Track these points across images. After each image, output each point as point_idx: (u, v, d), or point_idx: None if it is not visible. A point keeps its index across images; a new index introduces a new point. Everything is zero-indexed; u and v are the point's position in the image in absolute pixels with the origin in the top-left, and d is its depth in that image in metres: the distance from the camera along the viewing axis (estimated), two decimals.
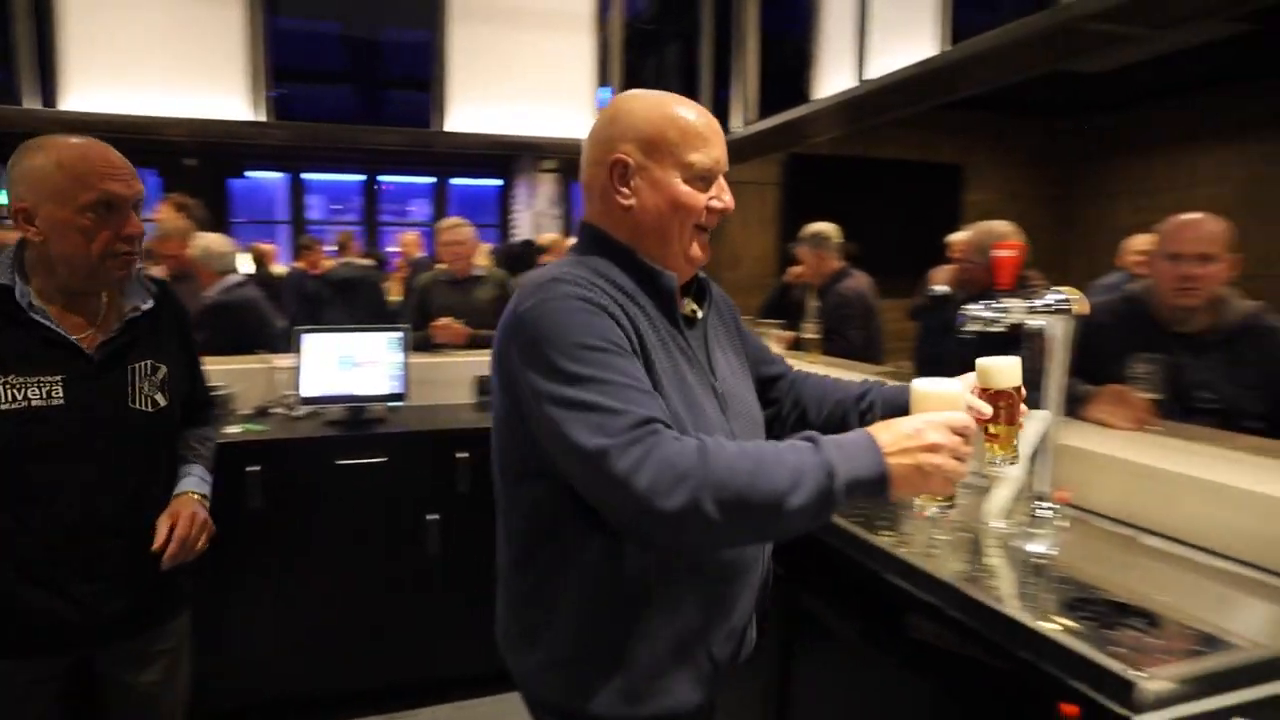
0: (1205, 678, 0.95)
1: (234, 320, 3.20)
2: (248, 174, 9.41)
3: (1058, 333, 1.40)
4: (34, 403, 1.30)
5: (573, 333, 0.92)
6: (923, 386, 1.05)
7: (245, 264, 4.99)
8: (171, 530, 1.43)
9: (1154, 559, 1.40)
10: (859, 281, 3.50)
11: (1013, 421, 1.14)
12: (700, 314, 1.14)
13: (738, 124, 3.28)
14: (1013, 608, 1.16)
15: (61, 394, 1.32)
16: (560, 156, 6.98)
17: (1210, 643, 1.05)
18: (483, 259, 5.18)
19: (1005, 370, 1.12)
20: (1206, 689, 0.94)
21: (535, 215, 8.50)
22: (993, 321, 1.41)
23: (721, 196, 1.07)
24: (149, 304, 1.46)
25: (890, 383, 1.27)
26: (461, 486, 2.55)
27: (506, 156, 8.85)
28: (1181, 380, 1.98)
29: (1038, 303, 1.39)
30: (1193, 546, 1.40)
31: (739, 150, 3.59)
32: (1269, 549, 1.30)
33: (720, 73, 3.37)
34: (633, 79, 4.24)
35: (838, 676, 1.58)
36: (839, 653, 1.57)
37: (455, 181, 10.36)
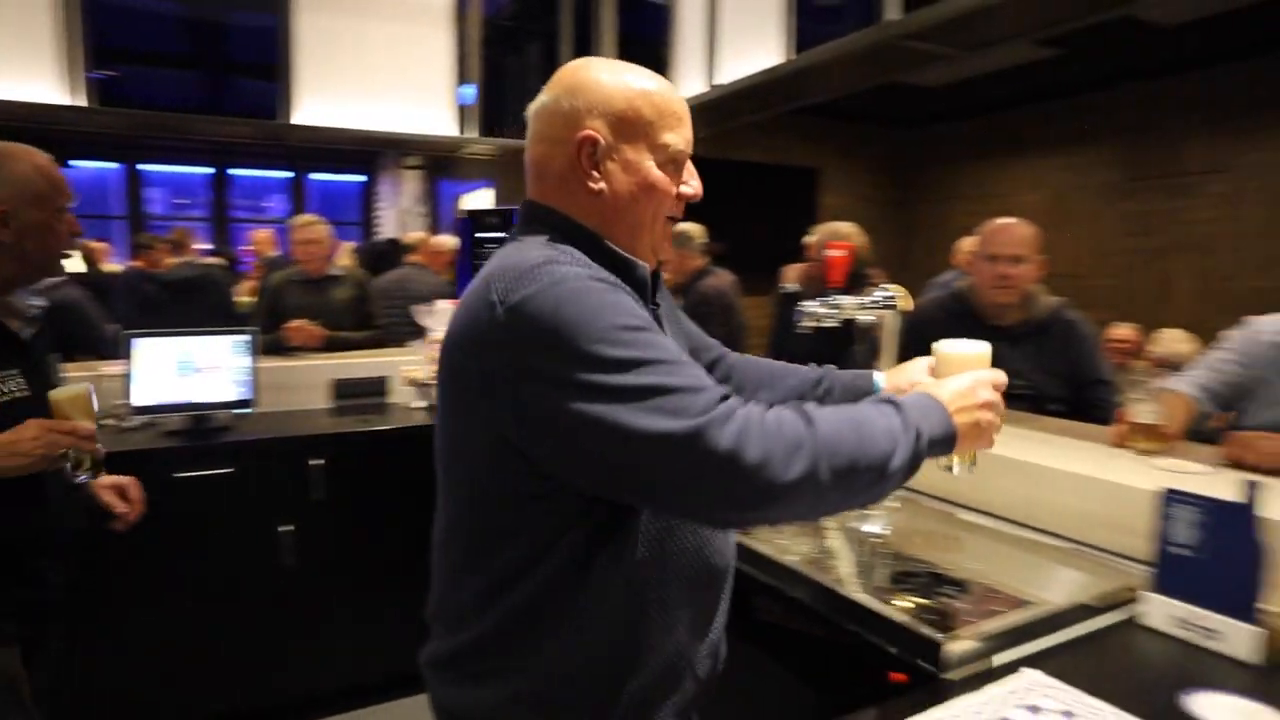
0: (1000, 635, 1.05)
1: (52, 323, 2.91)
2: (73, 163, 8.58)
3: (886, 327, 1.51)
4: (17, 395, 1.40)
5: (605, 314, 0.79)
6: (951, 348, 1.05)
7: (70, 263, 4.55)
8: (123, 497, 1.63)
9: (971, 533, 1.54)
10: (721, 280, 3.62)
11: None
12: (659, 306, 1.04)
13: None
14: (849, 586, 1.24)
15: (26, 385, 1.43)
16: (425, 153, 6.81)
17: (1009, 603, 1.17)
18: (345, 258, 4.98)
19: (970, 357, 1.05)
20: (1001, 644, 1.05)
21: (400, 213, 8.24)
22: (826, 317, 1.50)
23: (691, 182, 0.97)
24: (42, 300, 1.60)
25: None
26: (316, 494, 2.44)
27: (369, 152, 8.52)
28: (999, 369, 2.18)
29: (867, 300, 1.50)
30: (1004, 519, 1.55)
31: None
32: (1065, 518, 1.46)
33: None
34: (494, 77, 4.20)
35: None
36: None
37: (315, 177, 9.86)
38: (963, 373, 0.97)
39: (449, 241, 4.55)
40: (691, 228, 3.74)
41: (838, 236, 2.64)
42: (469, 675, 0.93)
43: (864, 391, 1.11)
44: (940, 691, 0.97)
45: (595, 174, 0.92)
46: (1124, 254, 5.39)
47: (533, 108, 0.97)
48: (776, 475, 0.75)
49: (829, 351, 2.40)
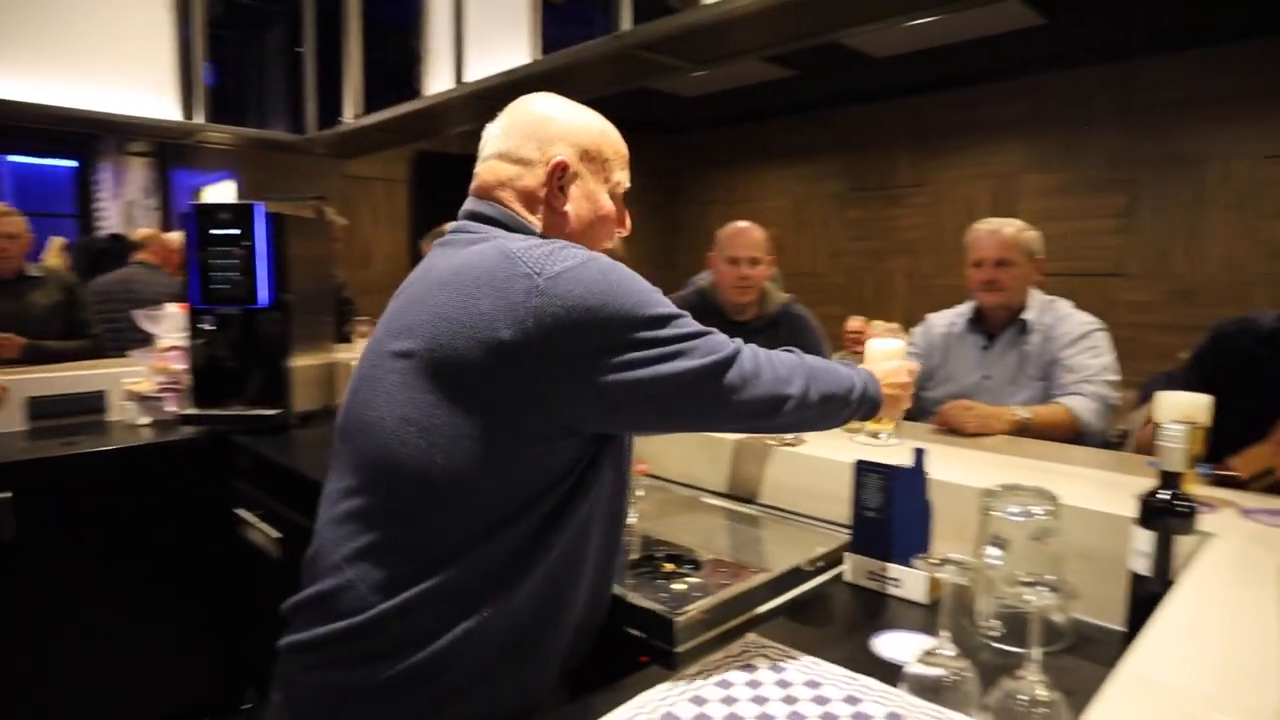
0: (724, 604, 1.15)
1: None
2: None
3: None
4: None
5: (640, 282, 0.94)
6: (879, 346, 1.51)
7: None
8: None
9: (710, 514, 1.66)
10: None
11: None
12: None
13: (349, 115, 3.14)
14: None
15: None
16: (152, 139, 6.05)
17: (735, 575, 1.27)
18: (54, 256, 4.28)
19: (893, 351, 1.49)
20: (727, 614, 1.14)
21: (125, 205, 7.23)
22: None
23: (625, 222, 1.12)
24: None
25: None
26: (4, 534, 2.07)
27: (82, 135, 7.38)
28: None
29: None
30: (738, 498, 1.69)
31: (355, 142, 3.44)
32: (789, 494, 1.61)
33: (327, 62, 3.19)
34: (234, 58, 3.83)
35: None
36: None
37: (12, 159, 8.37)
38: (888, 361, 1.29)
39: (181, 237, 4.08)
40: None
41: None
42: (368, 653, 0.91)
43: None
44: (674, 665, 1.04)
45: (562, 196, 1.04)
46: (852, 255, 6.08)
47: (497, 128, 1.08)
48: (786, 390, 1.01)
49: None
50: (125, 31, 3.14)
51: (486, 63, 2.27)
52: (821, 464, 1.57)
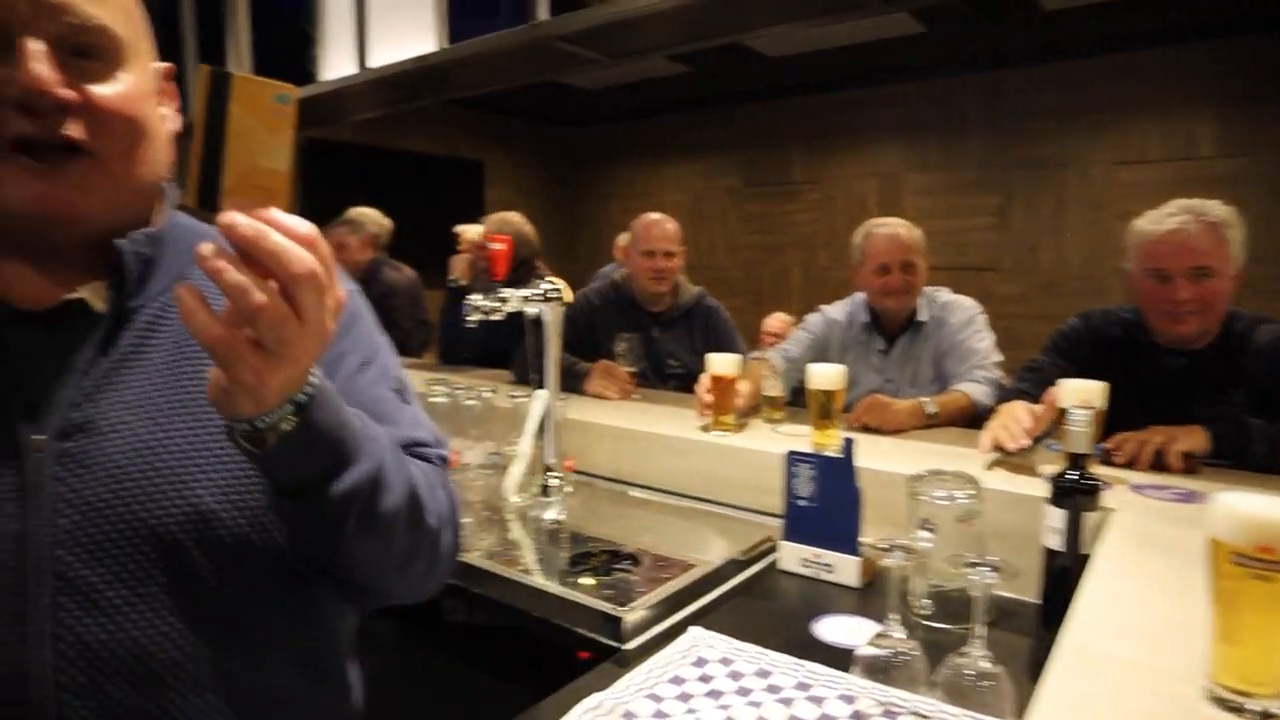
0: (668, 599, 1.15)
1: None
2: None
3: (549, 318, 1.55)
4: None
5: None
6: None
7: None
8: None
9: (637, 508, 1.66)
10: (403, 273, 3.53)
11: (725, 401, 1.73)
12: None
13: None
14: (533, 575, 1.26)
15: None
16: None
17: (674, 568, 1.28)
18: None
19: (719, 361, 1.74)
20: (670, 608, 1.14)
21: None
22: (492, 310, 1.50)
23: (17, 74, 0.62)
24: None
25: None
26: None
27: None
28: (654, 351, 2.40)
29: (531, 292, 1.53)
30: (663, 491, 1.70)
31: None
32: (714, 485, 1.64)
33: (210, 39, 2.97)
34: None
35: (386, 680, 1.54)
36: (380, 656, 1.53)
37: None
38: None
39: None
40: (366, 212, 3.53)
41: (505, 226, 2.67)
42: None
43: None
44: (623, 662, 1.03)
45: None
46: (750, 249, 6.24)
47: None
48: None
49: (499, 344, 2.44)
50: None
51: (390, 48, 2.18)
52: (745, 454, 1.61)
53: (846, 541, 1.24)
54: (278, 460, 0.60)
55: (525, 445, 1.52)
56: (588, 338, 2.36)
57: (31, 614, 0.63)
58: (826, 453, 1.30)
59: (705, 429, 1.74)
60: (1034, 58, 4.85)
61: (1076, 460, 1.09)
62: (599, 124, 6.93)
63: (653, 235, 2.40)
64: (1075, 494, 1.08)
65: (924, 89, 5.31)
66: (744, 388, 1.81)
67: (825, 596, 1.22)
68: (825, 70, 5.52)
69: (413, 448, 0.81)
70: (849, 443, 1.25)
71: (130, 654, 0.65)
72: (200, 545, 0.67)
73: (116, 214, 0.71)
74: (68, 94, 0.64)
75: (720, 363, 1.76)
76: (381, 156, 5.70)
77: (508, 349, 2.36)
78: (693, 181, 6.52)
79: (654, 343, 2.40)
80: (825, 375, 1.61)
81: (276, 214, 0.53)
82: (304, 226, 0.54)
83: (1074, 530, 1.08)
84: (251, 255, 0.52)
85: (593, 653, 1.10)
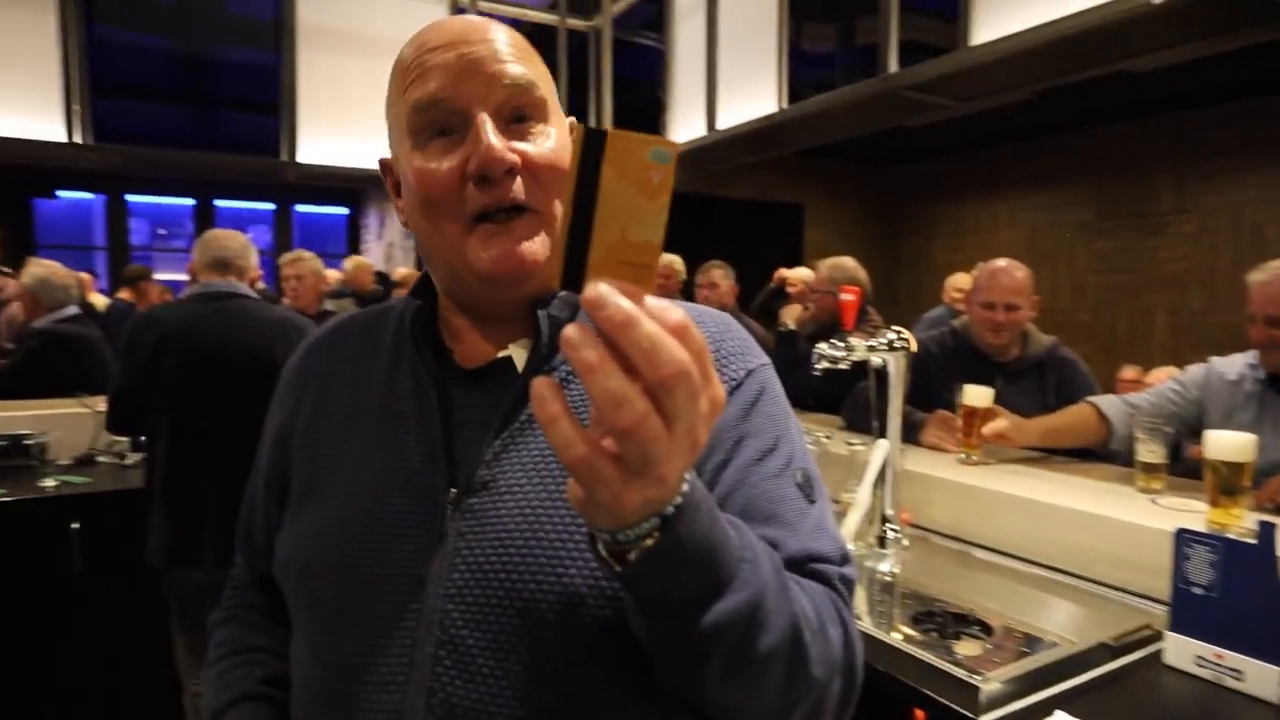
0: (1030, 675, 1.07)
1: (67, 356, 2.87)
2: (60, 194, 8.53)
3: (892, 368, 1.54)
4: None
5: None
6: None
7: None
8: None
9: (982, 570, 1.56)
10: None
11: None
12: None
13: None
14: (867, 624, 1.26)
15: None
16: None
17: (1032, 643, 1.19)
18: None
19: None
20: (1032, 685, 1.07)
21: (387, 246, 8.23)
22: (839, 359, 1.53)
23: (477, 148, 0.64)
24: None
25: None
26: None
27: (355, 187, 8.54)
28: (1000, 404, 2.23)
29: (876, 341, 1.53)
30: (1012, 556, 1.58)
31: None
32: (1071, 555, 1.49)
33: (573, 107, 3.45)
34: None
35: None
36: None
37: (300, 208, 9.85)
38: None
39: None
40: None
41: (844, 273, 2.67)
42: None
43: None
44: None
45: (398, 199, 0.78)
46: (1100, 290, 5.53)
47: None
48: None
49: (838, 391, 2.45)
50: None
51: (737, 110, 2.34)
52: (1115, 525, 1.44)
53: (1262, 645, 1.05)
54: (637, 578, 0.50)
55: (864, 494, 1.52)
56: (924, 387, 2.27)
57: (416, 661, 0.63)
58: (1230, 534, 1.12)
59: (963, 462, 1.87)
60: None
61: None
62: (922, 160, 6.68)
63: (994, 286, 2.25)
64: None
65: None
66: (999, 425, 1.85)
67: (1228, 706, 1.04)
68: (1204, 80, 4.75)
69: (809, 564, 0.66)
70: (1269, 528, 1.06)
71: None
72: (563, 629, 0.62)
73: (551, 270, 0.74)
74: (513, 158, 0.65)
75: (974, 395, 1.92)
76: (707, 204, 6.09)
77: (844, 396, 2.36)
78: (1029, 216, 5.97)
79: (998, 396, 2.24)
80: (1231, 444, 1.39)
81: (648, 299, 0.43)
82: (675, 314, 0.42)
83: None
84: (614, 345, 0.42)
85: (928, 713, 1.07)
